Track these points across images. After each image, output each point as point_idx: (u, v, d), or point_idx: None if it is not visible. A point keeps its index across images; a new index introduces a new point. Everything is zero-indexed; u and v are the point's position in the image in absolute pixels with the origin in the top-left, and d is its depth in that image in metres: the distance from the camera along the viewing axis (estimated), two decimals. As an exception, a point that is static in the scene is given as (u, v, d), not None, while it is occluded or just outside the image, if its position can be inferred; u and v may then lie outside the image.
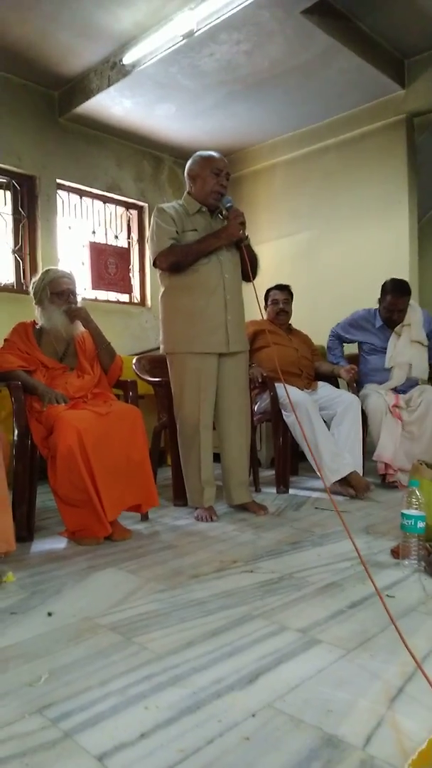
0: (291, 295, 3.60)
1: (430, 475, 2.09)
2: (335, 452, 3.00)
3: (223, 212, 2.66)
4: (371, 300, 4.36)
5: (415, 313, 3.47)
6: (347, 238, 4.49)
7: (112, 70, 3.93)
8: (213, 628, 1.43)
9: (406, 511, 1.85)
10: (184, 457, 2.72)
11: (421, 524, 1.84)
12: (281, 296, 3.54)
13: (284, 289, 3.58)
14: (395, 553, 1.95)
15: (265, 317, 3.35)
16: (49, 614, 1.54)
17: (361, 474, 3.02)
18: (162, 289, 2.71)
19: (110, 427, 2.29)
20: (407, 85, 4.17)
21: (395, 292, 3.40)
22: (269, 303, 3.57)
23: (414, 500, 1.85)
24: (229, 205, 2.62)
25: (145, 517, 2.57)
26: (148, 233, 4.29)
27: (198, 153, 2.71)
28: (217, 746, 0.96)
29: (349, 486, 2.95)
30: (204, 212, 2.69)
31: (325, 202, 4.59)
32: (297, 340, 3.57)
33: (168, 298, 2.68)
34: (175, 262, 2.56)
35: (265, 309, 3.57)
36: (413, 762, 0.93)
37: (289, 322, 3.62)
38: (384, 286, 3.47)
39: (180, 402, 2.68)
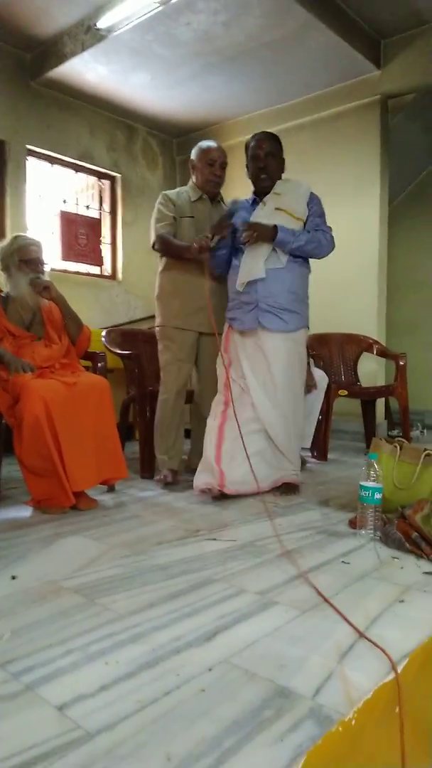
0: None
1: (389, 449, 2.17)
2: None
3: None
4: (341, 279, 4.43)
5: (296, 186, 2.70)
6: (319, 218, 4.51)
7: (86, 34, 3.83)
8: (174, 590, 1.47)
9: (364, 483, 1.91)
10: (158, 422, 2.82)
11: (378, 496, 1.91)
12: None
13: None
14: (353, 523, 2.02)
15: None
16: (13, 577, 1.56)
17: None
18: (160, 267, 2.88)
19: (77, 397, 2.29)
20: (383, 66, 4.17)
21: (256, 136, 2.66)
22: None
23: (372, 472, 1.92)
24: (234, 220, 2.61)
25: (111, 489, 2.59)
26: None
27: (198, 144, 2.86)
28: (173, 697, 1.00)
29: None
30: (204, 200, 2.84)
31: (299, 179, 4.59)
32: None
33: (162, 275, 2.87)
34: (160, 250, 2.80)
35: None
36: (358, 710, 0.99)
37: None
38: (246, 144, 2.72)
39: (163, 373, 2.83)
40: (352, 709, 0.98)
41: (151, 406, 2.91)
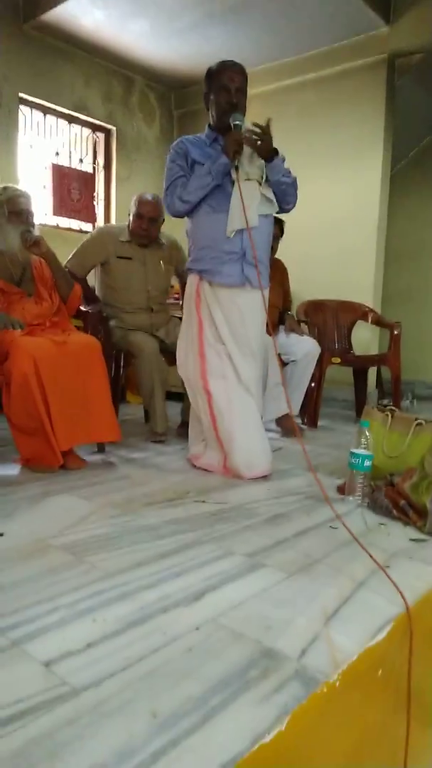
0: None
1: (381, 418, 2.16)
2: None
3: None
4: (339, 245, 4.36)
5: None
6: (320, 179, 4.39)
7: (82, -25, 3.64)
8: (163, 551, 1.47)
9: (354, 450, 1.91)
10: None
11: (367, 463, 1.91)
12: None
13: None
14: (341, 489, 2.03)
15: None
16: (0, 534, 1.55)
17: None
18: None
19: (68, 356, 2.26)
20: (392, 22, 4.01)
21: (227, 64, 2.29)
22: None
23: (363, 440, 1.92)
24: (237, 123, 2.20)
25: (101, 449, 2.58)
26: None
27: (137, 195, 2.84)
28: (160, 655, 1.01)
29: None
30: (133, 244, 2.95)
31: (301, 139, 4.45)
32: None
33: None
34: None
35: None
36: (343, 672, 1.00)
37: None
38: (208, 72, 2.34)
39: None
40: (336, 671, 0.99)
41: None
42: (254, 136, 2.18)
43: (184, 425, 2.78)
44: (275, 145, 2.25)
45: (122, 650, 1.02)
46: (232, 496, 2.00)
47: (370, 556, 1.43)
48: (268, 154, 2.22)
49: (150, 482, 2.14)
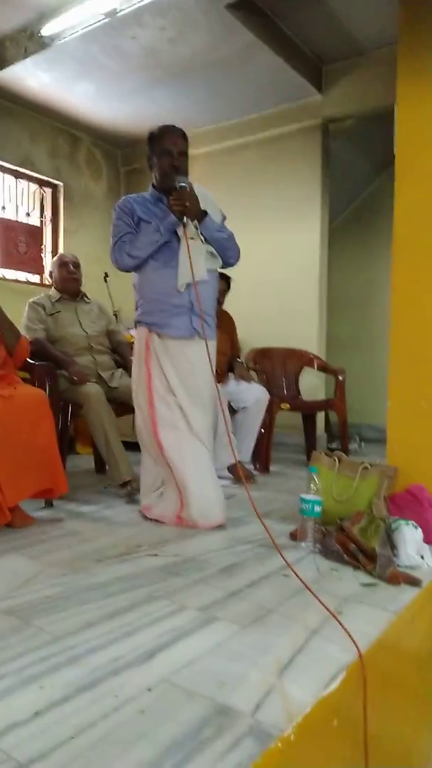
0: None
1: (328, 462, 2.21)
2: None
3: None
4: (283, 294, 4.52)
5: (205, 193, 2.45)
6: (263, 236, 4.58)
7: (29, 41, 3.77)
8: (113, 609, 1.44)
9: (304, 496, 1.94)
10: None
11: (318, 508, 1.94)
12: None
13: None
14: (294, 535, 2.05)
15: None
16: None
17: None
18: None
19: (15, 410, 2.22)
20: (324, 91, 4.32)
21: (168, 128, 2.42)
22: None
23: (312, 485, 1.95)
24: (181, 185, 2.27)
25: (49, 504, 2.51)
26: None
27: (58, 255, 3.09)
28: (112, 720, 0.98)
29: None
30: (66, 300, 3.18)
31: (244, 198, 4.66)
32: None
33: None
34: None
35: None
36: (297, 725, 0.99)
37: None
38: (150, 135, 2.43)
39: None
40: (290, 724, 0.98)
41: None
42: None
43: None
44: (219, 201, 2.37)
45: (71, 717, 0.98)
46: (186, 547, 1.98)
47: (323, 605, 1.44)
48: (197, 215, 2.31)
49: (100, 537, 2.10)
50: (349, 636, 1.28)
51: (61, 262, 3.23)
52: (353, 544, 1.83)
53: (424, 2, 2.30)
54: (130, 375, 2.95)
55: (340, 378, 3.74)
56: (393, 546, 1.84)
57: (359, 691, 1.20)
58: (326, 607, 1.42)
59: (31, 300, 3.13)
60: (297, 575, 1.61)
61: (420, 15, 2.31)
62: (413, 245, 2.33)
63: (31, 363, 2.76)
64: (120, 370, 3.15)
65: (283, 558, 1.72)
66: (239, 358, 3.79)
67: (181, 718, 0.99)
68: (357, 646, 1.24)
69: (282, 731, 0.96)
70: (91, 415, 2.79)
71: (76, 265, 3.24)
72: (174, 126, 2.41)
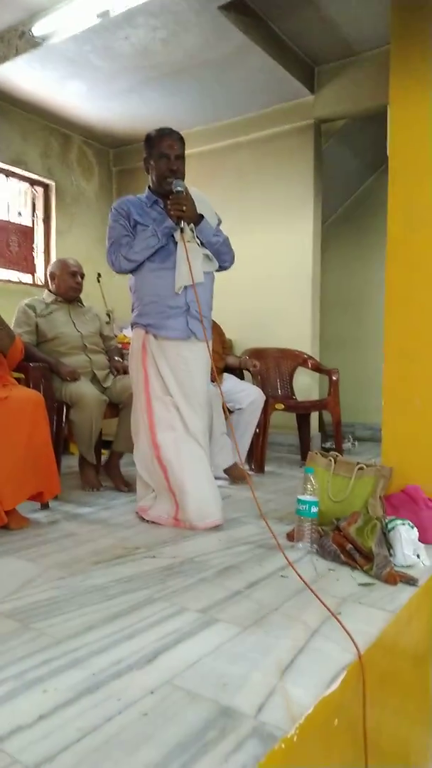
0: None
1: (324, 463, 2.22)
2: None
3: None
4: (277, 295, 4.53)
5: (202, 197, 2.47)
6: (256, 236, 4.59)
7: (20, 40, 3.74)
8: (113, 612, 1.44)
9: (301, 497, 1.95)
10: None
11: (314, 509, 1.95)
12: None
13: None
14: (290, 536, 2.06)
15: None
16: None
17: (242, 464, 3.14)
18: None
19: (9, 413, 2.21)
20: (316, 92, 4.33)
21: (165, 131, 2.42)
22: None
23: (309, 486, 1.96)
24: (178, 189, 2.28)
25: (45, 506, 2.51)
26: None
27: (56, 261, 3.06)
28: (115, 723, 0.98)
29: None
30: (62, 303, 3.15)
31: (237, 198, 4.67)
32: None
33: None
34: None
35: None
36: (300, 726, 1.00)
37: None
38: (147, 138, 2.46)
39: None
40: (293, 725, 0.99)
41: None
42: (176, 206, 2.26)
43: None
44: (212, 201, 2.40)
45: (75, 720, 0.98)
46: (183, 549, 1.99)
47: (324, 606, 1.45)
48: (193, 219, 2.33)
49: (97, 539, 2.10)
50: (350, 636, 1.29)
51: (70, 270, 3.18)
52: (350, 544, 1.84)
53: (416, 3, 2.32)
54: (115, 377, 3.00)
55: (334, 378, 3.76)
56: (389, 546, 1.85)
57: (359, 690, 1.21)
58: (328, 608, 1.43)
59: (23, 302, 3.12)
60: (299, 575, 1.62)
61: (412, 16, 2.33)
62: (407, 245, 2.35)
63: (25, 364, 2.75)
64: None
65: (286, 557, 1.73)
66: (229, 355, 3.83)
67: (185, 720, 0.99)
68: (356, 646, 1.25)
69: (285, 732, 0.96)
70: (82, 413, 2.80)
71: (82, 275, 3.24)
72: (171, 129, 2.41)
